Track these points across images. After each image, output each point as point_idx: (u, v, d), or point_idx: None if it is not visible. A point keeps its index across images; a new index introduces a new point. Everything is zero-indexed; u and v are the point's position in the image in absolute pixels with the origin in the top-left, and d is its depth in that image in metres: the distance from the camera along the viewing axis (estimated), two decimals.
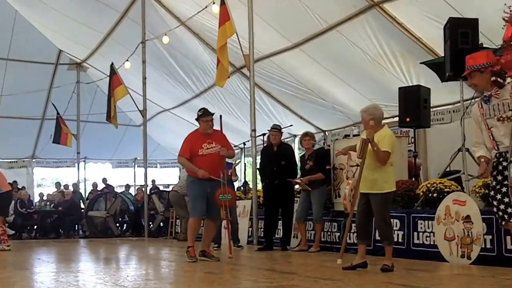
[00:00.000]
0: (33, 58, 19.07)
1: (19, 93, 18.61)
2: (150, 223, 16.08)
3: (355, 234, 7.38)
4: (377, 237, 7.39)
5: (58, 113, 19.45)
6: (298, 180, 9.58)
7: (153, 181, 20.38)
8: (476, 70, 5.43)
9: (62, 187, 19.90)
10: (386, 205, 6.33)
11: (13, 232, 16.70)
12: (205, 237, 8.15)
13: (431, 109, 10.21)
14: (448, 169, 8.85)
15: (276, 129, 10.20)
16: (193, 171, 7.85)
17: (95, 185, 20.16)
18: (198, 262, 7.62)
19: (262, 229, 10.62)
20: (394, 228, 8.04)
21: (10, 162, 21.89)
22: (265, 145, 11.11)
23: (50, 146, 20.47)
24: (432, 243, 7.54)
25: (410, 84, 10.77)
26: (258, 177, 10.83)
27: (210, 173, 7.84)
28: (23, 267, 8.16)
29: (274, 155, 9.98)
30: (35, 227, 17.68)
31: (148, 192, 16.52)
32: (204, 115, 8.01)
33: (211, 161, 7.88)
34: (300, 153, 11.10)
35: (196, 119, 8.11)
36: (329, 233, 9.57)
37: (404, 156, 9.50)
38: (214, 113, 8.12)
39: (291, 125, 13.30)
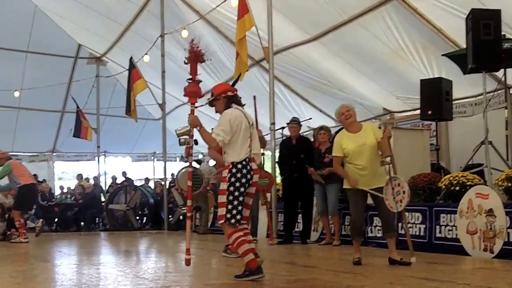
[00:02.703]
0: (53, 52, 19.20)
1: (39, 87, 18.74)
2: (170, 216, 16.13)
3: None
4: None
5: (78, 107, 19.57)
6: (318, 171, 9.49)
7: (172, 174, 20.44)
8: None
9: (84, 180, 20.02)
10: None
11: (34, 225, 16.83)
12: None
13: (453, 102, 10.10)
14: (470, 162, 8.75)
15: (295, 121, 10.17)
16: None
17: (114, 178, 20.26)
18: (220, 255, 7.60)
19: (281, 223, 10.60)
20: (416, 222, 7.99)
21: (31, 156, 22.08)
22: (283, 138, 11.09)
23: (71, 140, 20.61)
24: (454, 236, 7.46)
25: (432, 76, 10.66)
26: (277, 170, 10.79)
27: None
28: (45, 260, 8.23)
29: (293, 148, 9.94)
30: (56, 220, 17.82)
31: (167, 185, 16.56)
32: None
33: None
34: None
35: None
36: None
37: (426, 149, 9.43)
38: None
39: (310, 118, 13.23)
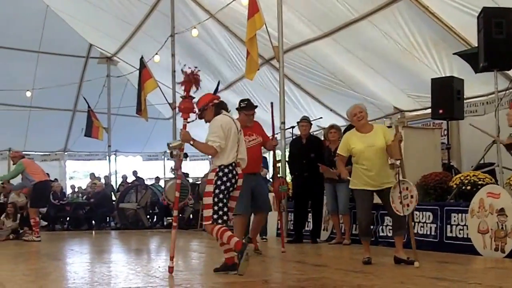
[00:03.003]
0: (64, 52, 19.30)
1: (50, 86, 18.83)
2: (180, 215, 16.14)
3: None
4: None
5: (89, 107, 19.66)
6: (329, 169, 9.48)
7: (187, 174, 20.48)
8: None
9: (98, 179, 20.11)
10: None
11: (46, 223, 16.95)
12: (254, 227, 8.01)
13: (464, 101, 10.06)
14: (482, 162, 8.72)
15: (306, 120, 10.16)
16: None
17: (124, 177, 20.34)
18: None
19: (291, 222, 10.61)
20: (427, 221, 7.97)
21: (43, 155, 22.18)
22: (294, 137, 11.10)
23: (82, 139, 20.70)
24: (465, 236, 7.43)
25: (443, 75, 10.62)
26: (287, 169, 10.79)
27: (254, 166, 7.64)
28: (57, 258, 8.29)
29: (304, 148, 9.93)
30: (68, 218, 17.92)
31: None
32: (248, 107, 7.73)
33: (254, 154, 7.67)
34: None
35: (237, 109, 7.79)
36: None
37: (437, 148, 9.40)
38: (257, 106, 7.90)
39: (321, 118, 13.21)
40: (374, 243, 8.82)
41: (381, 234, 8.81)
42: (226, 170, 5.52)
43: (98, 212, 17.54)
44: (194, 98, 5.88)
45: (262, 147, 8.07)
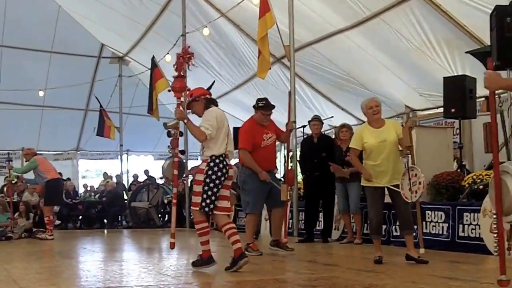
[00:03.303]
0: (76, 52, 19.41)
1: (62, 86, 18.93)
2: (191, 214, 16.16)
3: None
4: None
5: (101, 106, 19.74)
6: (340, 167, 9.46)
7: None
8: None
9: (110, 178, 20.20)
10: None
11: (59, 222, 17.04)
12: (275, 226, 7.97)
13: (476, 100, 10.01)
14: None
15: (317, 119, 10.15)
16: (254, 170, 7.58)
17: (135, 176, 20.41)
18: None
19: (302, 221, 10.60)
20: (439, 220, 7.94)
21: (55, 154, 22.30)
22: (305, 136, 11.08)
23: (94, 139, 20.81)
24: (477, 235, 7.39)
25: (455, 73, 10.57)
26: (298, 169, 10.78)
27: (271, 164, 7.76)
28: (70, 256, 8.34)
29: (315, 147, 9.92)
30: (80, 217, 18.01)
31: (189, 183, 16.61)
32: (266, 107, 7.71)
33: (271, 152, 7.78)
34: None
35: (254, 107, 7.84)
36: None
37: (450, 147, 9.36)
38: (274, 106, 7.93)
39: (332, 117, 13.20)
40: (386, 243, 8.80)
41: (394, 233, 8.78)
42: (217, 161, 5.70)
43: (110, 211, 17.62)
44: (185, 77, 6.24)
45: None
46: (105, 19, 17.43)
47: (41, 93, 19.56)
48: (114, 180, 19.94)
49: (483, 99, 10.98)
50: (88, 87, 20.90)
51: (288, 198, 8.16)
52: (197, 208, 5.71)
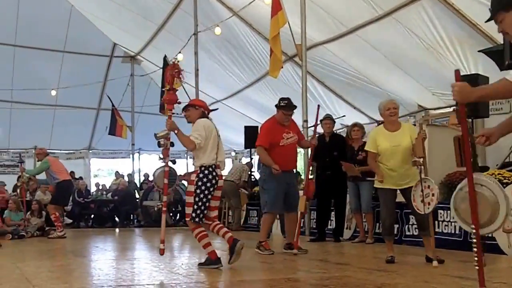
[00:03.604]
0: (88, 51, 19.49)
1: (75, 85, 19.02)
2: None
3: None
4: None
5: (113, 105, 19.82)
6: (352, 166, 9.44)
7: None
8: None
9: (122, 177, 20.26)
10: None
11: (71, 221, 17.12)
12: (290, 229, 7.94)
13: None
14: (507, 160, 8.61)
15: (329, 118, 10.13)
16: (267, 164, 7.60)
17: (146, 175, 20.46)
18: (253, 252, 7.63)
19: (314, 220, 10.58)
20: (451, 220, 7.91)
21: (67, 153, 22.42)
22: (317, 136, 11.05)
23: (106, 138, 20.89)
24: (490, 235, 7.34)
25: (468, 72, 10.51)
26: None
27: (290, 163, 7.74)
28: (82, 255, 8.37)
29: (327, 146, 9.89)
30: (92, 216, 18.08)
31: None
32: (287, 107, 7.73)
33: (291, 152, 7.76)
34: None
35: (276, 106, 7.84)
36: None
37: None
38: (296, 107, 7.94)
39: (344, 116, 13.16)
40: (398, 242, 8.77)
41: (407, 233, 8.75)
42: (206, 172, 5.93)
43: (122, 209, 17.67)
44: (177, 90, 6.44)
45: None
46: (117, 18, 17.48)
47: (53, 93, 19.66)
48: (126, 179, 20.00)
49: None
50: (100, 86, 20.99)
51: (306, 210, 8.19)
52: (189, 219, 6.02)
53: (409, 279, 5.10)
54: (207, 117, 6.30)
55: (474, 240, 3.71)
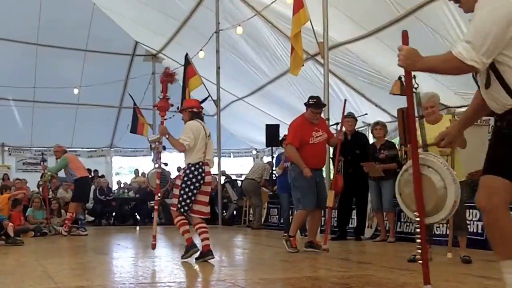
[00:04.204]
0: (110, 49, 19.62)
1: (96, 84, 19.16)
2: (224, 211, 16.23)
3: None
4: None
5: (134, 104, 19.90)
6: (373, 164, 9.39)
7: (223, 171, 20.55)
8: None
9: (143, 176, 20.36)
10: (465, 194, 6.28)
11: (93, 218, 17.25)
12: (313, 227, 7.93)
13: None
14: None
15: (351, 116, 10.08)
16: (298, 165, 7.58)
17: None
18: (274, 250, 7.62)
19: (335, 219, 10.54)
20: (474, 219, 7.83)
21: (89, 151, 22.59)
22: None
23: (128, 136, 20.99)
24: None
25: None
26: (331, 166, 10.73)
27: (319, 162, 7.76)
28: (103, 252, 8.43)
29: (349, 144, 9.85)
30: (114, 214, 18.19)
31: (222, 181, 16.67)
32: (316, 106, 7.73)
33: (320, 150, 7.76)
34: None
35: (305, 105, 7.87)
36: (407, 223, 9.39)
37: (485, 145, 9.19)
38: (325, 105, 7.96)
39: (366, 114, 13.10)
40: None
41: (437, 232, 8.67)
42: (192, 168, 6.51)
43: (143, 207, 17.76)
44: (169, 98, 7.04)
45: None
46: (139, 16, 17.56)
47: (75, 91, 19.81)
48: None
49: None
50: (122, 84, 21.12)
51: (334, 205, 8.18)
52: (175, 209, 6.62)
53: (432, 279, 5.03)
54: (200, 116, 6.95)
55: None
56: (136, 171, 21.08)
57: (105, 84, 19.29)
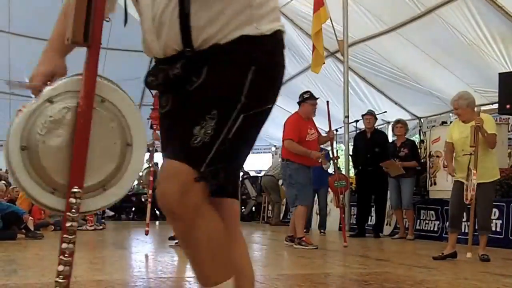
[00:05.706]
0: (130, 47, 19.74)
1: (117, 81, 19.27)
2: (243, 207, 16.29)
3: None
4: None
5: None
6: (393, 161, 9.38)
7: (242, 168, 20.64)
8: None
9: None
10: (494, 193, 6.33)
11: (113, 213, 17.39)
12: (294, 222, 7.97)
13: None
14: None
15: (371, 114, 10.09)
16: (305, 154, 7.61)
17: None
18: (292, 246, 7.66)
19: (354, 216, 10.55)
20: (493, 217, 7.80)
21: None
22: (358, 131, 11.05)
23: (147, 132, 21.13)
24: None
25: (511, 69, 10.33)
26: (351, 163, 10.75)
27: (311, 159, 7.81)
28: (123, 247, 8.52)
29: (368, 142, 9.86)
30: (133, 208, 18.32)
31: (240, 177, 16.73)
32: (312, 98, 7.88)
33: (314, 147, 7.84)
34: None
35: (299, 103, 7.96)
36: (426, 221, 9.38)
37: (504, 143, 9.17)
38: (318, 97, 8.08)
39: (385, 112, 13.06)
40: (438, 239, 8.70)
41: (446, 230, 8.65)
42: None
43: None
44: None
45: None
46: None
47: None
48: None
49: None
50: (142, 82, 21.23)
51: (341, 204, 8.21)
52: None
53: (450, 276, 5.06)
54: None
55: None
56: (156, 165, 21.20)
57: (125, 81, 19.38)
